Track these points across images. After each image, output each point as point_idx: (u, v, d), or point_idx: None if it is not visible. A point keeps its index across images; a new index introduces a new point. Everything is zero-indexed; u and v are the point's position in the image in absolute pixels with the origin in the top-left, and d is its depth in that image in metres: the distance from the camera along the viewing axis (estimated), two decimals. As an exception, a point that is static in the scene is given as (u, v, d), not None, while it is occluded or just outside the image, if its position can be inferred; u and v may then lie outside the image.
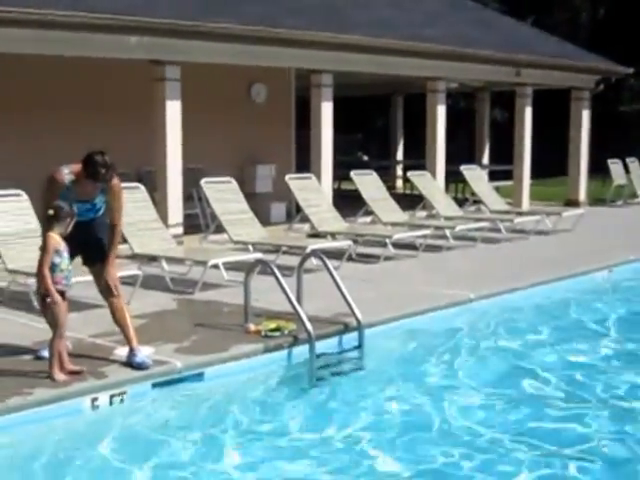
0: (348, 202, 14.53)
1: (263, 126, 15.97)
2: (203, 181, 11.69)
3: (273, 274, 7.96)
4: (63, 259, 6.47)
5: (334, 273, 8.43)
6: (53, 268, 6.43)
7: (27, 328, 7.85)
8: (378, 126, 31.66)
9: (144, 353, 6.98)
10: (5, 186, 9.72)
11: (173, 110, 11.77)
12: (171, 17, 11.27)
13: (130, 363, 6.83)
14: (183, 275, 10.43)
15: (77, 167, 6.78)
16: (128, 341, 6.99)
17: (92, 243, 7.00)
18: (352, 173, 14.26)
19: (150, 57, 11.57)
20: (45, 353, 6.77)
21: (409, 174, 15.59)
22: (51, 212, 6.50)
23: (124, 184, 10.82)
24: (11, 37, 10.04)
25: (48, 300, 6.44)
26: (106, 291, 7.01)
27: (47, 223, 6.55)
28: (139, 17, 10.88)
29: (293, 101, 16.91)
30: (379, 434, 6.33)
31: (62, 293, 6.50)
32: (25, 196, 9.59)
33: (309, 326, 7.66)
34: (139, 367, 6.77)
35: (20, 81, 12.61)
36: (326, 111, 14.10)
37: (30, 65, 12.04)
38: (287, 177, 13.18)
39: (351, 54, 13.90)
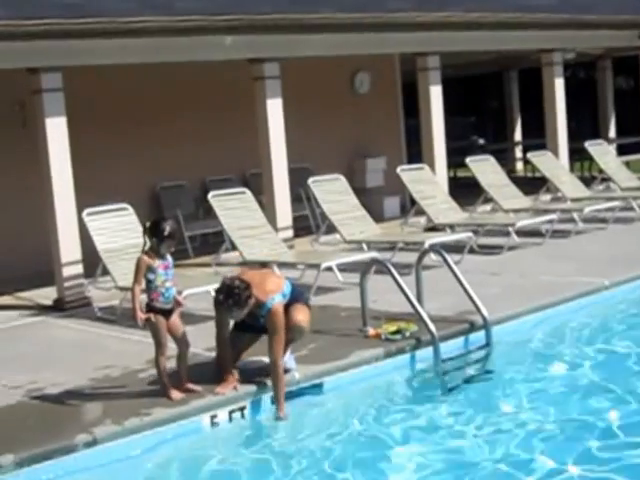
0: (466, 190, 14.39)
1: (369, 117, 16.00)
2: (310, 180, 11.78)
3: (390, 273, 7.95)
4: (158, 275, 6.56)
5: (455, 268, 8.38)
6: (148, 285, 6.57)
7: (142, 345, 8.01)
8: (492, 106, 31.17)
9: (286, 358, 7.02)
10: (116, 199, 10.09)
11: (275, 109, 11.84)
12: (265, 12, 11.34)
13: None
14: (296, 280, 10.49)
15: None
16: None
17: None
18: (467, 160, 14.08)
19: (247, 56, 11.68)
20: None
21: (529, 155, 15.32)
22: (147, 224, 6.69)
23: (229, 189, 11.23)
24: (100, 48, 10.29)
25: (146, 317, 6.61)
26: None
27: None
28: (232, 15, 10.98)
29: (399, 88, 16.86)
30: (519, 442, 6.20)
31: (163, 310, 6.62)
32: (131, 209, 9.86)
33: (432, 327, 7.64)
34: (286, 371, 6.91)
35: (122, 92, 13.04)
36: (435, 95, 13.96)
37: (131, 74, 12.36)
38: (399, 169, 13.14)
39: (457, 32, 13.72)
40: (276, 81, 11.88)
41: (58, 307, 10.06)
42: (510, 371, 7.68)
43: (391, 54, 16.01)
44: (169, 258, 6.66)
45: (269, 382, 6.81)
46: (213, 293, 6.86)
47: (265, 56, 11.76)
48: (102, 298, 9.87)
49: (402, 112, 16.93)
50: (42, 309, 10.20)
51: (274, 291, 6.79)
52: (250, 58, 11.74)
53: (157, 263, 6.56)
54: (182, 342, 6.74)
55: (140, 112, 13.22)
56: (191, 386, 6.70)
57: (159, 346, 6.62)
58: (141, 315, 6.54)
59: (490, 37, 14.32)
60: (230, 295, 6.57)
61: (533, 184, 15.87)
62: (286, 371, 6.93)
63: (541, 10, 14.79)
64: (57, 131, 10.01)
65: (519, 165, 23.18)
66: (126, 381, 7.17)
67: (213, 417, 6.50)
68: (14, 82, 10.71)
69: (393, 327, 7.94)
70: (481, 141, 25.17)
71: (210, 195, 10.94)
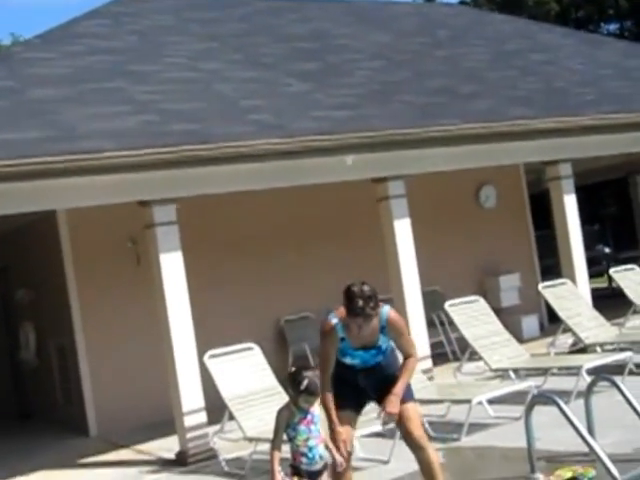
0: (600, 303, 13.05)
1: (498, 232, 14.98)
2: (447, 304, 10.70)
3: (558, 408, 6.69)
4: (298, 433, 5.51)
5: (632, 399, 7.08)
6: (290, 444, 5.56)
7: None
8: (612, 213, 29.93)
9: None
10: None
11: (402, 229, 10.90)
12: (384, 128, 10.48)
13: None
14: (442, 417, 9.30)
15: (343, 311, 5.94)
16: None
17: (385, 382, 6.04)
18: (611, 270, 13.05)
19: (370, 175, 10.82)
20: None
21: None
22: (292, 369, 5.69)
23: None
24: (216, 175, 9.56)
25: None
26: (411, 441, 5.96)
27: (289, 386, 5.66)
28: (351, 133, 10.13)
29: (527, 200, 15.82)
30: None
31: (310, 473, 5.51)
32: (257, 349, 8.91)
33: (615, 471, 6.31)
34: None
35: (238, 222, 12.37)
36: (570, 205, 12.82)
37: (246, 202, 11.77)
38: (540, 286, 11.99)
39: (588, 137, 12.64)
40: (402, 200, 10.97)
41: (181, 461, 9.02)
42: None
43: (516, 166, 15.05)
44: (314, 411, 5.58)
45: None
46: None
47: (389, 174, 10.87)
48: (229, 449, 8.82)
49: (531, 225, 15.83)
50: (164, 464, 9.20)
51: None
52: (373, 178, 10.87)
53: (297, 418, 5.49)
54: None
55: (258, 242, 12.45)
56: None
57: None
58: (278, 478, 5.45)
59: (626, 139, 13.15)
60: (372, 297, 5.78)
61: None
62: None
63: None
64: (173, 267, 9.18)
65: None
66: None
67: None
68: (125, 217, 10.06)
69: (568, 473, 6.65)
70: (607, 250, 23.90)
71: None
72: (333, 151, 9.93)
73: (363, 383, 6.10)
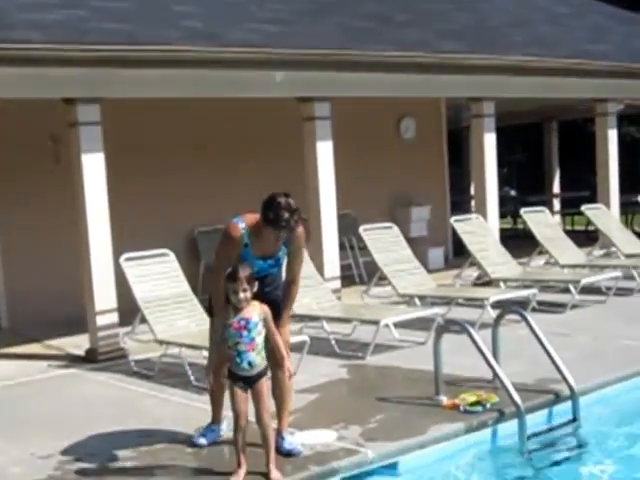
0: (505, 243, 13.41)
1: (414, 164, 15.19)
2: (362, 228, 10.83)
3: (469, 336, 6.96)
4: (229, 335, 5.51)
5: (540, 333, 7.41)
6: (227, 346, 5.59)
7: (185, 410, 7.06)
8: (519, 158, 30.47)
9: (313, 439, 6.18)
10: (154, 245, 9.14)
11: (325, 151, 10.95)
12: (319, 47, 10.45)
13: (278, 448, 5.89)
14: (347, 336, 9.52)
15: (252, 218, 5.84)
16: (279, 422, 6.06)
17: (268, 298, 5.94)
18: (522, 210, 13.30)
19: (297, 94, 10.80)
20: (202, 440, 6.15)
21: (583, 208, 14.33)
22: (229, 270, 5.57)
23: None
24: (143, 79, 9.43)
25: None
26: (272, 358, 5.89)
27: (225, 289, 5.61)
28: (284, 49, 10.09)
29: (445, 136, 16.03)
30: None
31: (243, 378, 5.53)
32: (172, 256, 8.90)
33: (517, 398, 6.63)
34: (289, 454, 5.91)
35: (159, 131, 12.26)
36: (489, 143, 13.08)
37: (168, 112, 11.65)
38: (452, 219, 12.23)
39: (514, 77, 12.83)
40: (326, 122, 11.00)
41: (90, 358, 9.07)
42: (601, 451, 6.63)
43: (438, 100, 15.21)
44: (251, 318, 5.50)
45: (340, 462, 5.78)
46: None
47: (316, 95, 10.86)
48: (139, 350, 8.88)
49: (447, 160, 16.06)
50: (73, 360, 9.23)
51: None
52: (300, 97, 10.85)
53: (230, 320, 5.49)
54: (258, 420, 5.62)
55: (177, 153, 12.35)
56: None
57: (234, 419, 5.55)
58: (210, 378, 5.62)
59: (546, 83, 13.39)
60: (297, 211, 5.71)
61: (575, 237, 14.78)
62: (293, 455, 5.93)
63: (598, 57, 13.91)
64: (94, 168, 9.07)
65: (557, 218, 22.14)
66: (166, 452, 6.10)
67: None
68: (47, 114, 9.87)
69: (472, 397, 6.90)
70: (512, 192, 24.33)
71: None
72: (263, 65, 9.86)
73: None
